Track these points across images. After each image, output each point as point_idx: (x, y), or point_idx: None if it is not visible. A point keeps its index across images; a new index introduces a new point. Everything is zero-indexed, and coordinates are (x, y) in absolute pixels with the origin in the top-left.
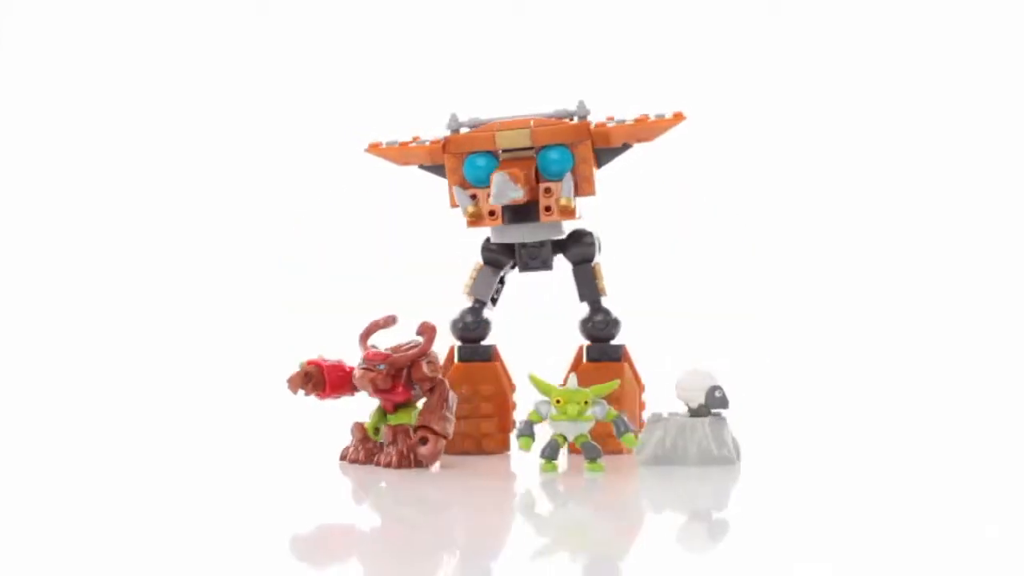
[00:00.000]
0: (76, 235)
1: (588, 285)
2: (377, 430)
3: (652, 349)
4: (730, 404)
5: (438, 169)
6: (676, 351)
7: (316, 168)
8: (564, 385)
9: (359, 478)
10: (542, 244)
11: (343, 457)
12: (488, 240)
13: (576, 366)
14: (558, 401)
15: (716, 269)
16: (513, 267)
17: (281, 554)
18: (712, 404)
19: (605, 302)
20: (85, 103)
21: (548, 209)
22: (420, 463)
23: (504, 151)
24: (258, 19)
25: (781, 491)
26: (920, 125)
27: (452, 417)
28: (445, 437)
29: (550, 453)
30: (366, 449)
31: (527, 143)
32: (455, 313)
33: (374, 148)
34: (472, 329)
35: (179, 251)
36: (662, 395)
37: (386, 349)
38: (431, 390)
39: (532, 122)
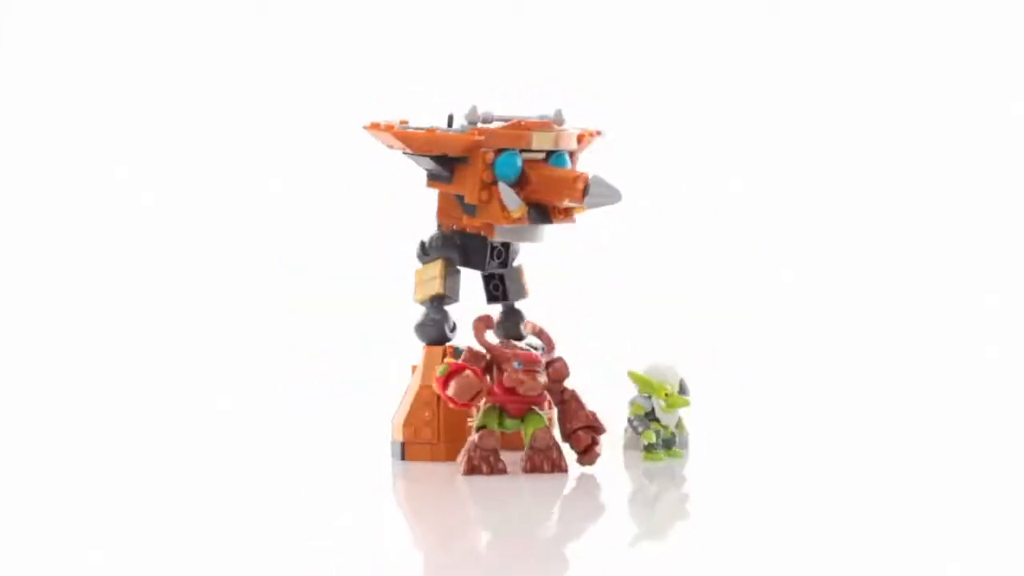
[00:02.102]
0: (74, 235)
1: (518, 286)
2: None
3: (652, 349)
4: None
5: (449, 162)
6: (676, 351)
7: (316, 168)
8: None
9: (484, 487)
10: (506, 245)
11: (471, 470)
12: (448, 237)
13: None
14: (667, 395)
15: (716, 269)
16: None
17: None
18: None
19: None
20: (82, 102)
21: (560, 212)
22: (581, 463)
23: (526, 151)
24: (257, 17)
25: (783, 492)
26: (921, 124)
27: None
28: (605, 431)
29: (654, 445)
30: (495, 457)
31: (551, 146)
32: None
33: (389, 129)
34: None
35: (178, 251)
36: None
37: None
38: (563, 390)
39: (554, 126)
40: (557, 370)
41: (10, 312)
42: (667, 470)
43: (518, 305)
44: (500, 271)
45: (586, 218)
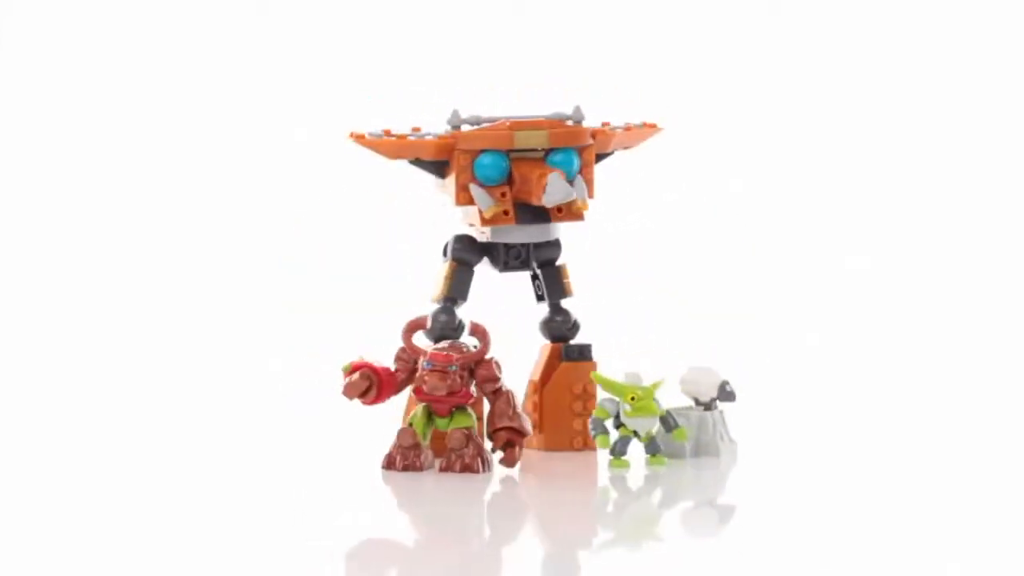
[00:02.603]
0: (74, 234)
1: (557, 285)
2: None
3: (651, 349)
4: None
5: (433, 165)
6: (675, 350)
7: (316, 168)
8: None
9: (408, 485)
10: (524, 244)
11: (389, 464)
12: (463, 239)
13: (551, 366)
14: (633, 398)
15: (716, 269)
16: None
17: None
18: (724, 398)
19: (566, 303)
20: (82, 102)
21: (560, 210)
22: (503, 464)
23: (515, 151)
24: (257, 18)
25: (779, 494)
26: (921, 124)
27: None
28: (528, 435)
29: (621, 449)
30: (414, 454)
31: (545, 144)
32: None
33: (361, 139)
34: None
35: (178, 251)
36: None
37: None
38: (496, 391)
39: (546, 123)
40: (484, 371)
41: (9, 312)
42: (638, 475)
43: (564, 304)
44: (535, 271)
45: (586, 217)
